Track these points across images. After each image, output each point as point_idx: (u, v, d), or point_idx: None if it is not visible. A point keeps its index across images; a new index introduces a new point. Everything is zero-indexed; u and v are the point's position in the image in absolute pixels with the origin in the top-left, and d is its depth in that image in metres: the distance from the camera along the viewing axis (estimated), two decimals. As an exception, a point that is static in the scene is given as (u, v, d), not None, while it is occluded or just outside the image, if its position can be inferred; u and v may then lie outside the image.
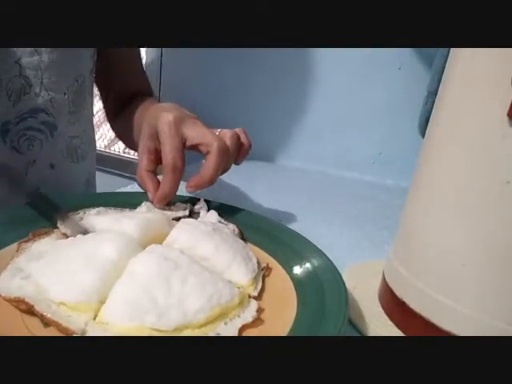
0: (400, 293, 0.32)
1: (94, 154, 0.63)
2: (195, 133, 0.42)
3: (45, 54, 0.48)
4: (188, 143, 0.42)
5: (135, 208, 0.43)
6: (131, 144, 0.64)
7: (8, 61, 0.46)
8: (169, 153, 0.41)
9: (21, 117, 0.49)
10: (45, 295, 0.28)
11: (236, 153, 0.45)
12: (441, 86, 0.30)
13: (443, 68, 0.30)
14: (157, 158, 0.44)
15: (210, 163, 0.41)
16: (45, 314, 0.27)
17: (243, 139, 0.46)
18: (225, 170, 0.44)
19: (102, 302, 0.28)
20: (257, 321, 0.29)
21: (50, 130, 0.52)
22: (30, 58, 0.47)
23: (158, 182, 0.43)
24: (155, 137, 0.43)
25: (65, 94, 0.52)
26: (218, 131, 0.45)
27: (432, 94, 0.56)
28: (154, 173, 0.45)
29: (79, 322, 0.27)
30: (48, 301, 0.28)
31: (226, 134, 0.44)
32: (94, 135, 0.63)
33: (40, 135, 0.51)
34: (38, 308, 0.27)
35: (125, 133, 0.65)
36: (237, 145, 0.45)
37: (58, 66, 0.50)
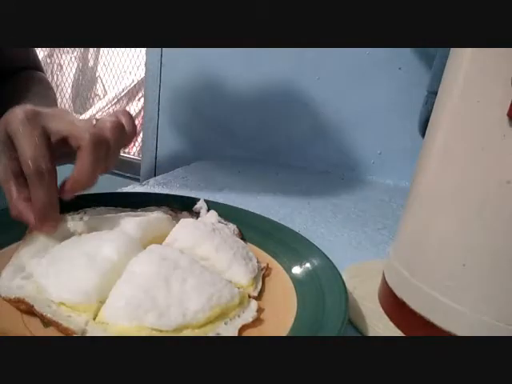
0: (400, 293, 0.32)
1: None
2: (61, 125, 0.34)
3: None
4: (53, 138, 0.33)
5: (135, 208, 0.43)
6: None
7: None
8: (27, 156, 0.31)
9: None
10: (45, 295, 0.28)
11: (121, 143, 0.37)
12: (441, 86, 0.30)
13: (443, 68, 0.30)
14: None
15: (82, 161, 0.33)
16: (45, 314, 0.27)
17: (127, 125, 0.37)
18: (108, 167, 0.36)
19: (102, 302, 0.28)
20: (257, 321, 0.29)
21: None
22: None
23: None
24: (11, 146, 0.33)
25: None
26: (94, 120, 0.36)
27: (432, 94, 0.56)
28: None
29: (79, 321, 0.27)
30: (48, 301, 0.28)
31: (106, 124, 0.35)
32: None
33: None
34: (37, 308, 0.27)
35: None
36: (121, 134, 0.36)
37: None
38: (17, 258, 0.32)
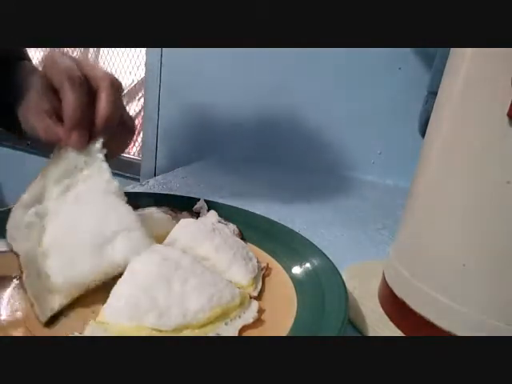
0: (400, 293, 0.32)
1: None
2: (84, 63, 0.36)
3: None
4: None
5: (135, 208, 0.42)
6: None
7: None
8: (62, 68, 0.34)
9: None
10: (44, 260, 0.30)
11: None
12: (441, 86, 0.30)
13: (443, 68, 0.30)
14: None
15: (104, 97, 0.34)
16: (26, 287, 0.28)
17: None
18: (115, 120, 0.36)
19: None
20: (257, 321, 0.29)
21: None
22: None
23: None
24: (49, 88, 0.35)
25: None
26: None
27: (432, 94, 0.56)
28: None
29: (53, 305, 0.28)
30: (39, 270, 0.29)
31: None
32: None
33: None
34: (24, 277, 0.28)
35: None
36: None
37: None
38: (42, 176, 0.32)
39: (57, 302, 0.28)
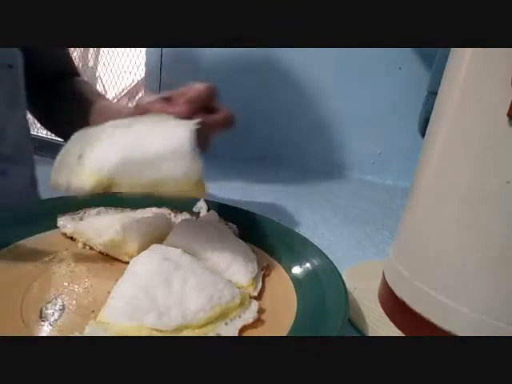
0: (400, 293, 0.32)
1: (31, 147, 0.57)
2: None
3: None
4: None
5: (135, 208, 0.43)
6: (60, 129, 0.61)
7: None
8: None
9: None
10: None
11: None
12: (441, 86, 0.30)
13: (443, 68, 0.30)
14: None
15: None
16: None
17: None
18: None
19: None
20: (257, 321, 0.29)
21: None
22: None
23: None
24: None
25: (2, 85, 0.47)
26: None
27: (432, 94, 0.56)
28: None
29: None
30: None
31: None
32: (29, 127, 0.57)
33: None
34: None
35: (57, 116, 0.60)
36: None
37: None
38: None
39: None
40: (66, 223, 0.38)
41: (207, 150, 0.44)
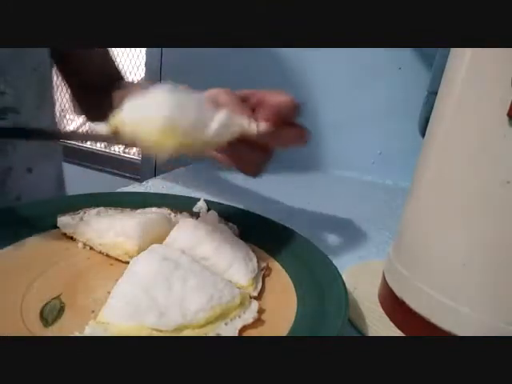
0: (400, 293, 0.32)
1: (59, 148, 0.59)
2: None
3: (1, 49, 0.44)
4: None
5: (135, 208, 0.43)
6: None
7: None
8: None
9: None
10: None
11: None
12: (441, 86, 0.30)
13: (443, 68, 0.30)
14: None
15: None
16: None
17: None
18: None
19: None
20: (256, 321, 0.29)
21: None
22: None
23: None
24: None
25: (30, 86, 0.48)
26: None
27: (432, 94, 0.56)
28: None
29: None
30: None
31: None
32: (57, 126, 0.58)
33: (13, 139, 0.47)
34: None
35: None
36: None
37: (17, 57, 0.46)
38: None
39: None
40: (65, 223, 0.38)
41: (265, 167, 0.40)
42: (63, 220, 0.38)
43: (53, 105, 0.57)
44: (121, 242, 0.35)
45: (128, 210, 0.42)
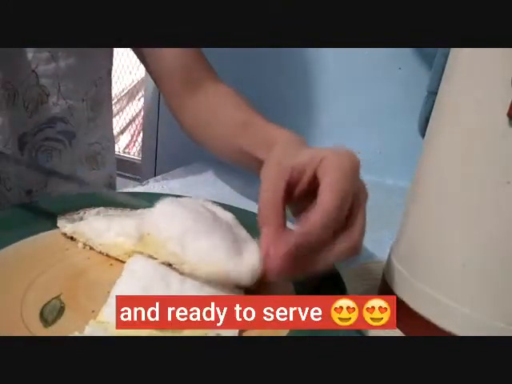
0: (400, 293, 0.32)
1: (113, 157, 0.60)
2: None
3: (62, 61, 0.46)
4: None
5: (135, 208, 0.42)
6: (217, 150, 0.49)
7: (24, 70, 0.44)
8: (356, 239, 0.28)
9: (38, 127, 0.47)
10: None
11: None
12: (441, 85, 0.30)
13: (443, 68, 0.30)
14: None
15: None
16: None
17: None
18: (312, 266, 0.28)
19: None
20: (257, 321, 0.29)
21: (69, 138, 0.50)
22: (47, 66, 0.45)
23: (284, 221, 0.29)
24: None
25: (83, 100, 0.50)
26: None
27: (432, 94, 0.56)
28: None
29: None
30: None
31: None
32: (113, 138, 0.60)
33: (58, 145, 0.49)
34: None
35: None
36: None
37: (75, 71, 0.47)
38: None
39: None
40: (66, 223, 0.38)
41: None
42: (63, 220, 0.38)
43: (109, 120, 0.58)
44: (121, 242, 0.35)
45: (128, 210, 0.42)
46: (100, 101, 0.53)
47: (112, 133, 0.60)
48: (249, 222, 0.42)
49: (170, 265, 0.30)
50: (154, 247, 0.31)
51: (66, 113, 0.49)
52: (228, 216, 0.38)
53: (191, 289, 0.29)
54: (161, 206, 0.33)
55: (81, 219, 0.39)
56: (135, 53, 0.54)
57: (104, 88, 0.54)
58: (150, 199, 0.45)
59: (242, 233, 0.35)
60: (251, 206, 0.46)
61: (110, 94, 0.58)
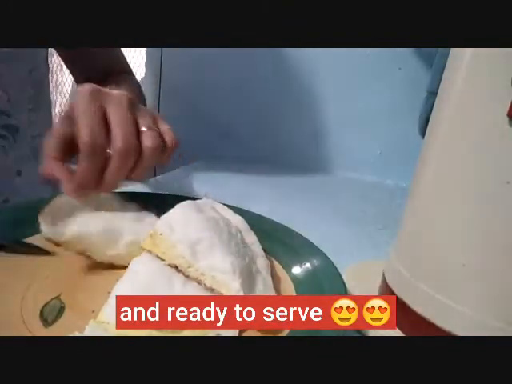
0: (400, 293, 0.32)
1: None
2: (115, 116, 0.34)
3: None
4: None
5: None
6: None
7: None
8: (84, 132, 0.32)
9: None
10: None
11: (156, 160, 0.37)
12: (441, 86, 0.30)
13: (443, 68, 0.30)
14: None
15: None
16: None
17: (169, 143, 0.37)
18: (133, 176, 0.37)
19: None
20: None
21: (12, 133, 0.48)
22: None
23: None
24: (72, 119, 0.34)
25: (23, 89, 0.48)
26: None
27: (432, 94, 0.56)
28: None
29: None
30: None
31: (150, 135, 0.35)
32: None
33: (2, 141, 0.47)
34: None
35: None
36: (160, 152, 0.36)
37: (10, 59, 0.46)
38: None
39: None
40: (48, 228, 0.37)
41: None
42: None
43: (49, 108, 0.57)
44: (124, 255, 0.34)
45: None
46: (39, 89, 0.51)
47: (52, 125, 0.57)
48: (248, 222, 0.42)
49: (175, 267, 0.30)
50: (163, 248, 0.31)
51: (8, 105, 0.47)
52: (237, 219, 0.38)
53: (193, 289, 0.29)
54: (179, 209, 0.33)
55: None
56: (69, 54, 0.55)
57: (42, 77, 0.52)
58: (150, 199, 0.45)
59: (253, 239, 0.37)
60: (251, 206, 0.46)
61: (49, 84, 0.55)
